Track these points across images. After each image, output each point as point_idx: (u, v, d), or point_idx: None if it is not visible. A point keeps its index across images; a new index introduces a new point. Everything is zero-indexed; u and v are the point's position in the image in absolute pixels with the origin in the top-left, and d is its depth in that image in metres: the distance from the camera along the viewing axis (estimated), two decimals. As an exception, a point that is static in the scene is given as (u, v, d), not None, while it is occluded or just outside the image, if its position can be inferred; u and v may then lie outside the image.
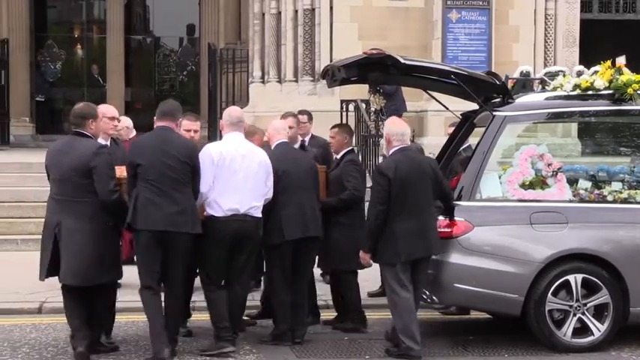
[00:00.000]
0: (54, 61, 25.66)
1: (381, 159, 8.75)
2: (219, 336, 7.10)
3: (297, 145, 8.52)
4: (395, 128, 7.31)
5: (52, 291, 7.84)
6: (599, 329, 7.30)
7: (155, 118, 7.11)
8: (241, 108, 9.23)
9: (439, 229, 7.24)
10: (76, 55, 26.39)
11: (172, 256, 6.86)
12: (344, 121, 15.52)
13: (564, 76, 8.05)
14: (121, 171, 7.04)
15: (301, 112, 9.96)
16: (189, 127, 7.77)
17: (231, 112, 7.48)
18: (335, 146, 8.23)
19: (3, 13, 23.04)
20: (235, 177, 7.11)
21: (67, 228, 6.73)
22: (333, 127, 8.47)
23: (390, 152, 7.26)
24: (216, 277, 7.16)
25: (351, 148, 8.22)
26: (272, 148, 7.69)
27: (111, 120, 7.89)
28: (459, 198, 7.38)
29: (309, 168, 7.69)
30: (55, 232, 6.76)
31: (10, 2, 23.12)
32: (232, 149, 7.19)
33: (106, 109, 7.85)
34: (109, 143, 7.95)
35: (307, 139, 9.77)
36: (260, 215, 7.22)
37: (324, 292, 8.52)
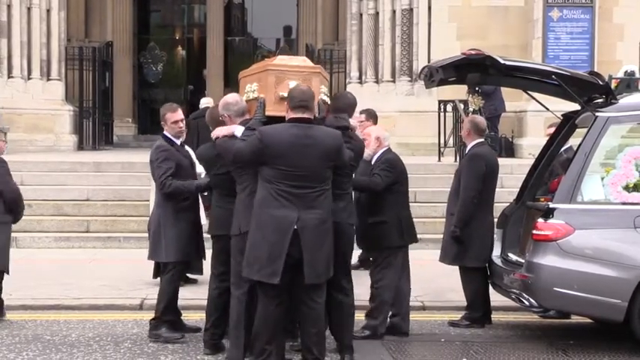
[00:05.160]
0: (155, 62, 26.25)
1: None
2: None
3: None
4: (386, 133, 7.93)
5: (153, 287, 8.00)
6: None
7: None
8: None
9: (536, 232, 7.16)
10: (177, 57, 26.94)
11: None
12: (442, 122, 15.48)
13: (671, 75, 7.81)
14: None
15: (361, 112, 10.18)
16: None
17: None
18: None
19: (108, 17, 23.74)
20: None
21: (309, 222, 6.18)
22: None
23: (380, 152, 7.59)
24: None
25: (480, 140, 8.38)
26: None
27: None
28: (560, 200, 7.26)
29: None
30: (293, 228, 6.15)
31: (115, 6, 23.80)
32: None
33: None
34: None
35: None
36: None
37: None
